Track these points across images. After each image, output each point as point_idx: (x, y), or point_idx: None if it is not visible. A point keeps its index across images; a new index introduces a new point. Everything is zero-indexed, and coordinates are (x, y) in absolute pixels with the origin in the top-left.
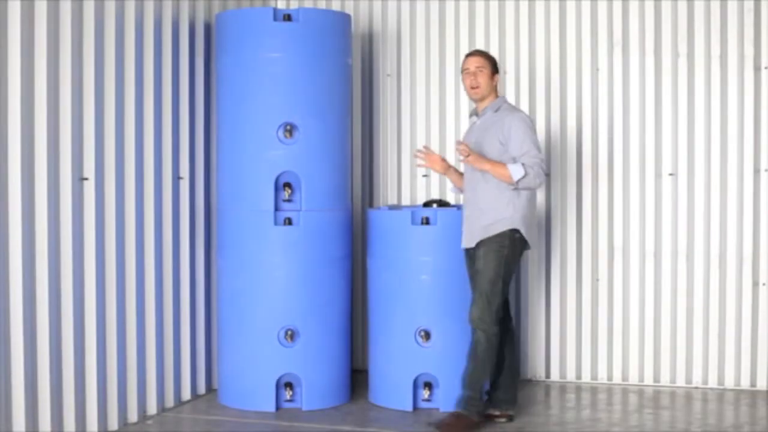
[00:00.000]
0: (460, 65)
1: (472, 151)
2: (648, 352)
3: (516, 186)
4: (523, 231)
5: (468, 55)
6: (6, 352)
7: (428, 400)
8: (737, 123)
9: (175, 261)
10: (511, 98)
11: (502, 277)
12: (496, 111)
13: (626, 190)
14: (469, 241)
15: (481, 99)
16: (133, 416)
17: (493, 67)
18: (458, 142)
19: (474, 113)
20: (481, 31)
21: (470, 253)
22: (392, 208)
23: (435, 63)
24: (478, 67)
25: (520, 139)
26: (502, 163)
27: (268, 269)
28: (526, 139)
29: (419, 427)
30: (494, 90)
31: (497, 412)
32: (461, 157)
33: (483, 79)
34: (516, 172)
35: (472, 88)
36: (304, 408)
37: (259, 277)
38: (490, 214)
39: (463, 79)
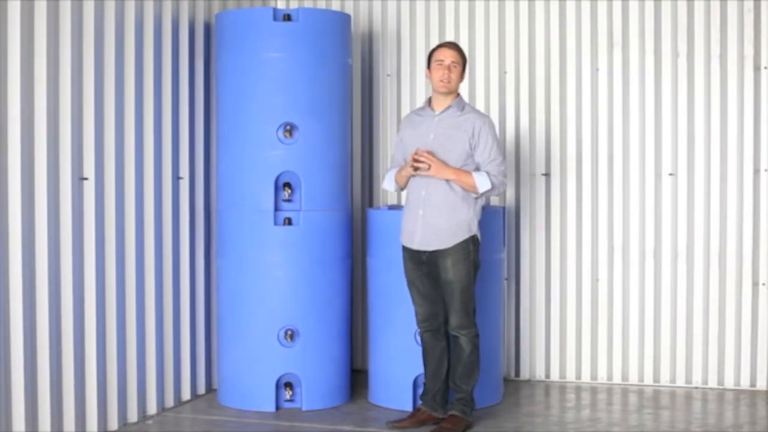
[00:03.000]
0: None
1: (434, 159)
2: (648, 352)
3: (478, 195)
4: (479, 234)
5: (443, 46)
6: (6, 352)
7: None
8: (737, 123)
9: (175, 261)
10: (511, 98)
11: (473, 281)
12: (462, 111)
13: (626, 190)
14: (425, 244)
15: (447, 95)
16: (133, 416)
17: (464, 65)
18: (418, 153)
19: (428, 107)
20: (481, 31)
21: (420, 255)
22: (392, 208)
23: None
24: (453, 62)
25: (489, 147)
26: (466, 172)
27: (268, 269)
28: (495, 146)
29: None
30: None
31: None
32: (423, 168)
33: (455, 76)
34: (482, 184)
35: (442, 81)
36: (304, 408)
37: (259, 277)
38: (449, 215)
39: (433, 70)
